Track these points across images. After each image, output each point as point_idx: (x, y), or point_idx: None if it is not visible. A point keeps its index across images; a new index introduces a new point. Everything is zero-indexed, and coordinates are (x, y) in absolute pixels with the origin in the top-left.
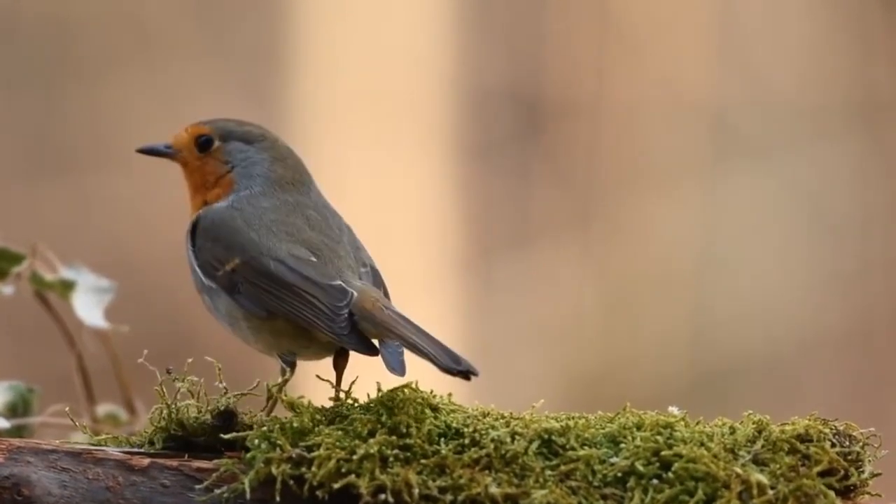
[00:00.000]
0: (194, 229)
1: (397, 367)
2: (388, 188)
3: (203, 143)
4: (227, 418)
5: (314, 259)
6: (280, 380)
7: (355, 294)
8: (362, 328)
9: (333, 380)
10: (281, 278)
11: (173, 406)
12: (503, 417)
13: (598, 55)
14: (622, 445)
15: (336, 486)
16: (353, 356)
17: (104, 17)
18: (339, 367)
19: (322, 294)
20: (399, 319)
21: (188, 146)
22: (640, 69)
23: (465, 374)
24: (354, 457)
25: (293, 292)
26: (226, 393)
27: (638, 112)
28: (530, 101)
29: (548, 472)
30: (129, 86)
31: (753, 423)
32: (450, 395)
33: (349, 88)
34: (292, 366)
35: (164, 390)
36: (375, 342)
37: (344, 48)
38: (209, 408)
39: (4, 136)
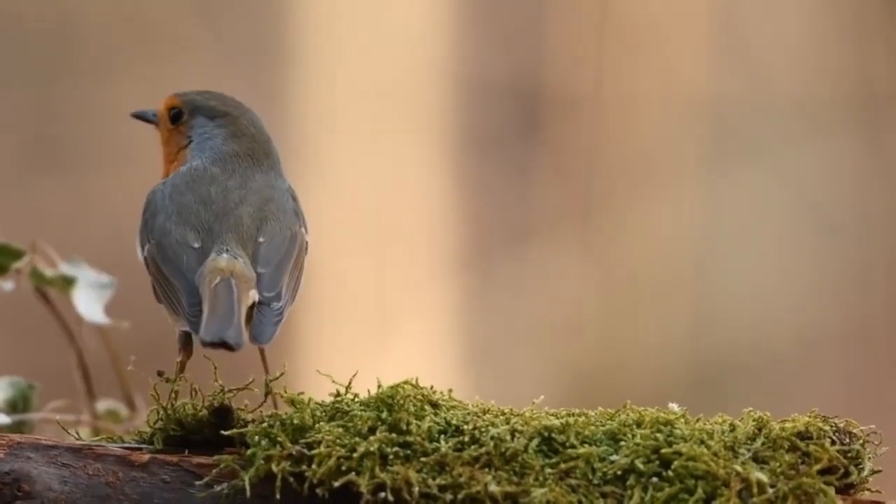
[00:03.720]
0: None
1: (258, 337)
2: (387, 183)
3: (174, 116)
4: (224, 414)
5: (197, 245)
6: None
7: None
8: None
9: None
10: (158, 266)
11: (169, 407)
12: (503, 414)
13: (598, 50)
14: (622, 443)
15: (336, 483)
16: (353, 349)
17: (105, 12)
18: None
19: (184, 286)
20: (214, 290)
21: (163, 117)
22: (639, 64)
23: (222, 345)
24: (354, 454)
25: (164, 282)
26: (222, 390)
27: (638, 108)
28: (530, 96)
29: (547, 470)
30: (130, 82)
31: (754, 421)
32: (450, 391)
33: (348, 83)
34: (186, 349)
35: (158, 393)
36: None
37: (343, 42)
38: (205, 405)
39: (4, 132)
